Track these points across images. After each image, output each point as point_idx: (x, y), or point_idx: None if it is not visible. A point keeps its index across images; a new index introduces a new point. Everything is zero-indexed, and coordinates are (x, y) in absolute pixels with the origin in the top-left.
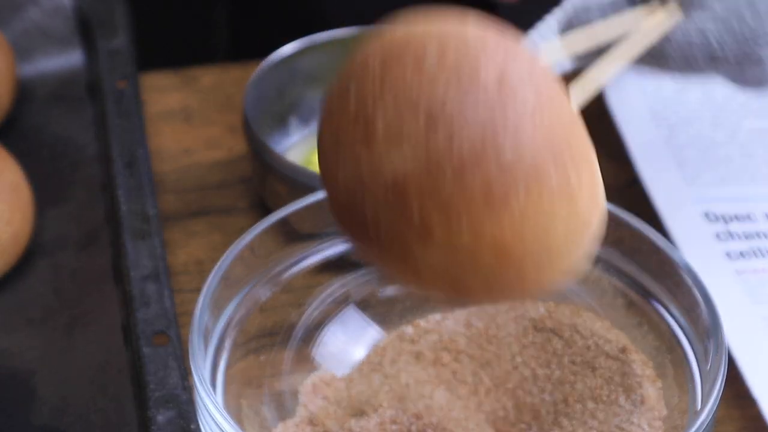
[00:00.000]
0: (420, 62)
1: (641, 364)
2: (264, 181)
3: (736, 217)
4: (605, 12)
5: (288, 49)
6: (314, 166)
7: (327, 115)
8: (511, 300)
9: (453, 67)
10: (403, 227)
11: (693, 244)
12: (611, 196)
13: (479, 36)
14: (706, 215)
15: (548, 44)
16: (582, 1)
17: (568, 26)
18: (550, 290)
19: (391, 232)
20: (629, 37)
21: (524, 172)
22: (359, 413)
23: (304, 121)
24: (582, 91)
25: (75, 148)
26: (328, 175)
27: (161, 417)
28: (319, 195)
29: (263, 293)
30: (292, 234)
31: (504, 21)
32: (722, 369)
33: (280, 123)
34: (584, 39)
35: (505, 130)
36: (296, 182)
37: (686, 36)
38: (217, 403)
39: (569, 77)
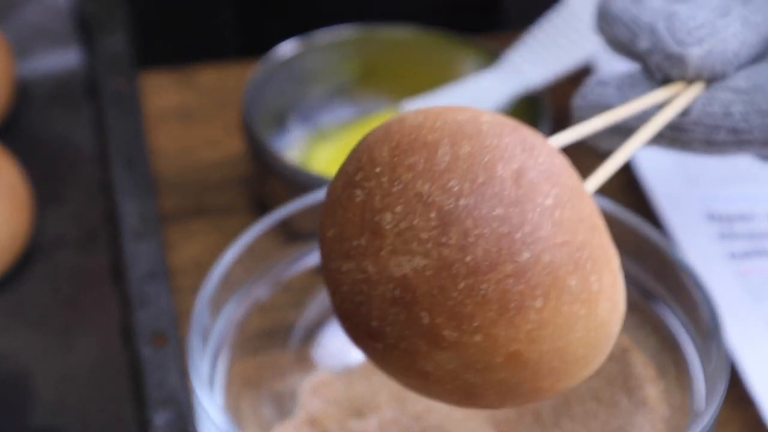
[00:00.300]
0: (432, 155)
1: (643, 365)
2: (263, 181)
3: (741, 217)
4: (623, 89)
5: (288, 48)
6: (313, 166)
7: (330, 207)
8: (525, 405)
9: (467, 161)
10: (411, 333)
11: (696, 244)
12: (611, 196)
13: (495, 127)
14: (710, 215)
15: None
16: (598, 79)
17: (585, 109)
18: (564, 392)
19: (398, 337)
20: (650, 120)
21: (543, 276)
22: (359, 414)
23: (304, 120)
24: (600, 179)
25: (74, 147)
26: (330, 274)
27: (160, 417)
28: (319, 195)
29: (263, 293)
30: (292, 234)
31: (508, 12)
32: (724, 370)
33: (280, 123)
34: (601, 122)
35: (523, 230)
36: (295, 182)
37: (708, 110)
38: (216, 403)
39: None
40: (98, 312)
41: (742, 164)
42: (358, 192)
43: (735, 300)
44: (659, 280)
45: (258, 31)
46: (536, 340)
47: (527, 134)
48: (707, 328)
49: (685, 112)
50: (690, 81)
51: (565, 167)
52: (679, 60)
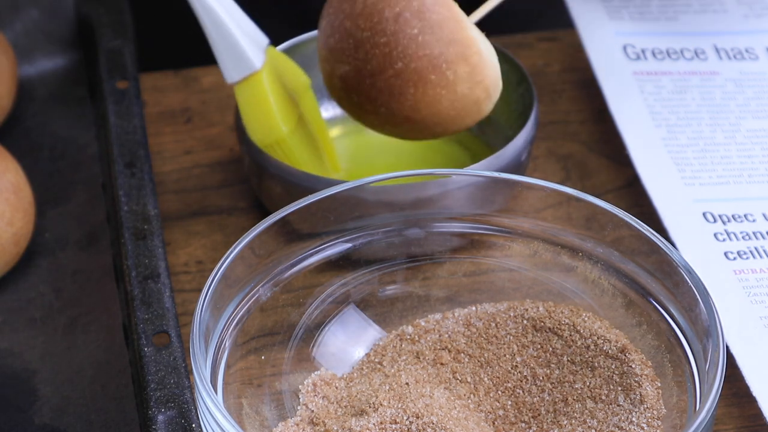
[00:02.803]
0: (353, 3)
1: (640, 364)
2: (259, 183)
3: (735, 218)
4: None
5: (282, 47)
6: (306, 167)
7: (322, 25)
8: (430, 138)
9: (370, 8)
10: (352, 106)
11: (692, 244)
12: (611, 196)
13: None
14: (705, 215)
15: None
16: None
17: None
18: (449, 134)
19: (349, 106)
20: None
21: (412, 75)
22: (359, 413)
23: None
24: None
25: (76, 148)
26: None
27: (162, 417)
28: (319, 195)
29: (264, 293)
30: (292, 234)
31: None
32: (721, 368)
33: None
34: None
35: (398, 49)
36: (289, 183)
37: None
38: (217, 402)
39: None
40: (100, 311)
41: (737, 165)
42: (323, 21)
43: (730, 300)
44: (657, 280)
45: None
46: (417, 109)
47: None
48: (704, 326)
49: None
50: None
51: (435, 4)
52: None
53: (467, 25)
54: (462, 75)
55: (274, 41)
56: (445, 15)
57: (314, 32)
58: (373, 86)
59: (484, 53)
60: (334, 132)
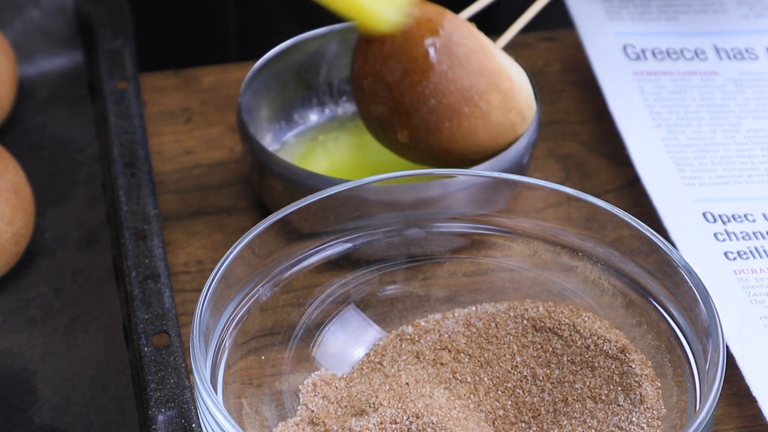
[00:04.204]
0: (381, 48)
1: (640, 364)
2: (261, 181)
3: (735, 218)
4: None
5: (283, 47)
6: (309, 165)
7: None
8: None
9: (398, 49)
10: (390, 141)
11: (692, 244)
12: (611, 196)
13: (415, 20)
14: (705, 215)
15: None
16: None
17: None
18: (489, 158)
19: (388, 144)
20: None
21: (445, 110)
22: (359, 412)
23: (301, 119)
24: (507, 37)
25: (76, 148)
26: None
27: (162, 416)
28: (319, 195)
29: (264, 293)
30: (292, 234)
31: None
32: (721, 368)
33: (277, 122)
34: None
35: (429, 87)
36: (292, 181)
37: None
38: (217, 402)
39: None
40: (100, 311)
41: (737, 165)
42: (355, 65)
43: (730, 300)
44: (657, 280)
45: (260, 31)
46: (454, 141)
47: (436, 19)
48: (704, 326)
49: None
50: None
51: (461, 38)
52: None
53: (495, 54)
54: (495, 103)
55: (283, 38)
56: (472, 47)
57: (322, 29)
58: (408, 124)
59: (515, 79)
60: (334, 132)
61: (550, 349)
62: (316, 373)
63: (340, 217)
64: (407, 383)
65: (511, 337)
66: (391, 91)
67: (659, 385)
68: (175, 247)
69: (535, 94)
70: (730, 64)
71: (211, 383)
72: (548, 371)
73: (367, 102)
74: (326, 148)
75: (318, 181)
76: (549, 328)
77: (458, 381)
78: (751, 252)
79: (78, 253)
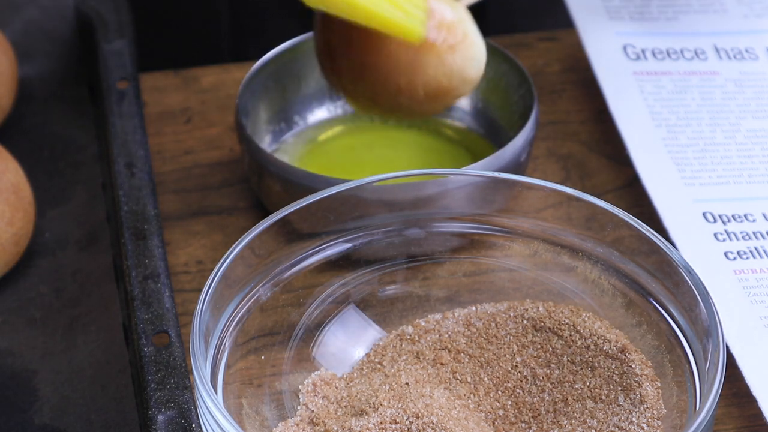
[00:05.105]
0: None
1: (640, 364)
2: (259, 182)
3: (735, 218)
4: None
5: (282, 48)
6: (309, 166)
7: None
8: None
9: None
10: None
11: (692, 244)
12: (611, 196)
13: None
14: (705, 215)
15: None
16: None
17: None
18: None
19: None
20: None
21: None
22: (359, 412)
23: (300, 119)
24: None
25: (75, 148)
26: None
27: (162, 417)
28: (319, 195)
29: (264, 293)
30: (292, 234)
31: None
32: (721, 368)
33: (276, 122)
34: None
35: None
36: (289, 182)
37: None
38: (217, 402)
39: None
40: (100, 311)
41: (737, 165)
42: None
43: (730, 300)
44: (657, 280)
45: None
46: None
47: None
48: (704, 326)
49: None
50: None
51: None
52: None
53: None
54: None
55: (282, 38)
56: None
57: None
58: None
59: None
60: (334, 132)
61: (550, 349)
62: (316, 373)
63: (340, 217)
64: (407, 383)
65: (511, 337)
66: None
67: (659, 385)
68: (175, 247)
69: (534, 94)
70: (730, 64)
71: (211, 383)
72: (548, 371)
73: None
74: (326, 149)
75: (315, 181)
76: (549, 328)
77: (458, 381)
78: (751, 252)
79: (78, 253)
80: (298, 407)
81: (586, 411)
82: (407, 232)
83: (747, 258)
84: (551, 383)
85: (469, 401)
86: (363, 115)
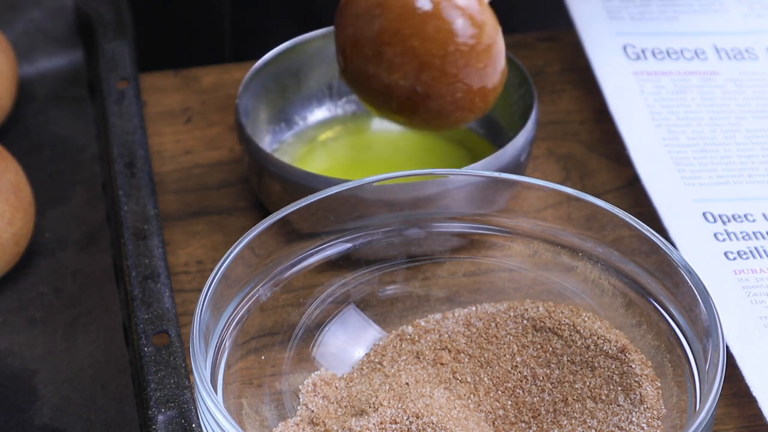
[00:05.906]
0: (423, 25)
1: (640, 364)
2: (259, 182)
3: (735, 218)
4: None
5: (282, 48)
6: (309, 165)
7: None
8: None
9: (442, 35)
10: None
11: (692, 244)
12: (611, 196)
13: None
14: (705, 215)
15: None
16: None
17: None
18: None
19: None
20: None
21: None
22: (359, 412)
23: (300, 119)
24: None
25: (75, 148)
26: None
27: (162, 417)
28: (319, 195)
29: (264, 293)
30: (292, 234)
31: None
32: (721, 368)
33: (276, 122)
34: None
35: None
36: (289, 182)
37: None
38: (217, 402)
39: None
40: (100, 311)
41: (737, 165)
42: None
43: (730, 300)
44: (657, 280)
45: (260, 31)
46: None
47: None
48: (704, 326)
49: None
50: None
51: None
52: None
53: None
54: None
55: (282, 38)
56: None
57: (319, 31)
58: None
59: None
60: (334, 132)
61: (550, 349)
62: (316, 373)
63: (340, 217)
64: (407, 383)
65: (511, 337)
66: (421, 71)
67: (659, 385)
68: (175, 247)
69: (534, 94)
70: (730, 64)
71: (211, 383)
72: (548, 371)
73: (382, 68)
74: (326, 149)
75: (315, 181)
76: (549, 328)
77: (458, 381)
78: (751, 252)
79: (78, 253)
80: (298, 407)
81: (586, 411)
82: (407, 232)
83: (747, 258)
84: (551, 383)
85: (469, 401)
86: (363, 116)
